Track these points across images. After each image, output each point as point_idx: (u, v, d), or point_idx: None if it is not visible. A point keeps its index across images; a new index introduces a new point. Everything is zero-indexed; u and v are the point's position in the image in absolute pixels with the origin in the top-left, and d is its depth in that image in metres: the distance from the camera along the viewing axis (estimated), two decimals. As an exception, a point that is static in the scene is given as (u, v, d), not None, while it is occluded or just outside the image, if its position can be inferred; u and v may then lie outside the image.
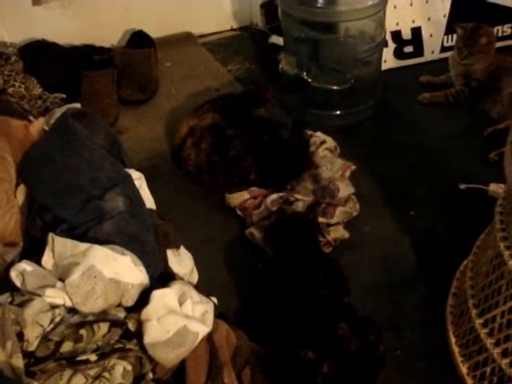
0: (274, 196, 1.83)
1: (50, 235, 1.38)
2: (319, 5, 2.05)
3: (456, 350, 1.48)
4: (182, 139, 2.02)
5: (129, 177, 1.60)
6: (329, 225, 1.80)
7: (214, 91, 2.40)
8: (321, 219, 1.78)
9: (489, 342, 1.33)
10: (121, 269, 1.32)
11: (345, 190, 1.88)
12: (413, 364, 1.50)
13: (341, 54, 2.15)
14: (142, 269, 1.37)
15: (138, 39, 2.54)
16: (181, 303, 1.31)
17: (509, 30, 2.70)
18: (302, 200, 1.83)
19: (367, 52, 2.21)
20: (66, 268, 1.32)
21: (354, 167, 1.99)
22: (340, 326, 1.33)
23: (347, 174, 1.97)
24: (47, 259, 1.36)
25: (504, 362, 1.29)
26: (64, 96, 2.22)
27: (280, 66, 2.40)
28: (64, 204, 1.47)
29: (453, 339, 1.50)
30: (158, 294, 1.29)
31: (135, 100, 2.36)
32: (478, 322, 1.37)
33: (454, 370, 1.46)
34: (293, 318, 1.40)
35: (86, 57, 2.40)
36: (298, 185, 1.91)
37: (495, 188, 1.88)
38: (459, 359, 1.46)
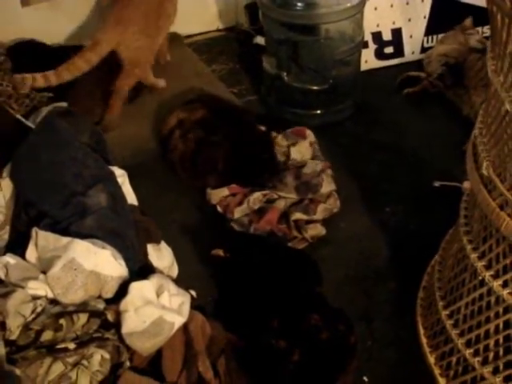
0: (257, 194, 1.88)
1: (34, 229, 1.43)
2: (298, 7, 2.10)
3: (424, 340, 1.54)
4: (170, 130, 2.08)
5: (112, 174, 1.65)
6: (308, 222, 1.86)
7: (198, 90, 2.44)
8: (301, 216, 1.84)
9: (454, 332, 1.39)
10: (101, 262, 1.38)
11: (327, 185, 1.93)
12: (384, 354, 1.57)
13: (321, 54, 2.19)
14: (122, 262, 1.42)
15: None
16: (158, 295, 1.37)
17: (488, 32, 2.75)
18: (284, 198, 1.88)
19: (346, 52, 2.25)
20: (49, 261, 1.38)
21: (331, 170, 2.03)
22: (312, 317, 1.39)
23: (328, 171, 2.00)
24: (31, 253, 1.42)
25: (468, 352, 1.35)
26: (51, 95, 2.25)
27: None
28: (48, 199, 1.52)
29: (421, 330, 1.56)
30: (135, 286, 1.35)
31: (121, 99, 2.40)
32: (444, 313, 1.43)
33: (423, 360, 1.52)
34: (266, 309, 1.46)
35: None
36: (279, 182, 1.94)
37: (469, 185, 1.93)
38: (427, 349, 1.52)
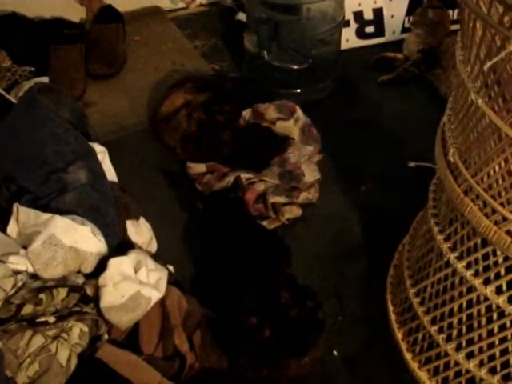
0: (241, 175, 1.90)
1: (15, 205, 1.46)
2: (280, -13, 2.11)
3: (393, 317, 1.60)
4: (175, 109, 2.08)
5: (92, 150, 1.67)
6: (285, 204, 1.89)
7: (180, 66, 2.45)
8: (278, 199, 1.88)
9: (420, 310, 1.45)
10: (80, 238, 1.41)
11: (310, 174, 1.96)
12: (353, 330, 1.63)
13: (302, 34, 2.20)
14: (101, 238, 1.46)
15: (107, 13, 2.57)
16: (136, 270, 1.41)
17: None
18: (264, 182, 1.91)
19: (328, 32, 2.27)
20: (29, 236, 1.41)
21: (320, 156, 2.06)
22: (282, 295, 1.44)
23: (315, 159, 2.03)
24: (12, 228, 1.45)
25: (433, 329, 1.41)
26: (33, 69, 2.26)
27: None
28: (28, 175, 1.55)
29: (390, 307, 1.62)
30: (114, 262, 1.39)
31: (102, 74, 2.41)
32: (412, 291, 1.49)
33: (391, 335, 1.58)
34: (238, 287, 1.51)
35: (56, 30, 2.44)
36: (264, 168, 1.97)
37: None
38: (395, 326, 1.58)
